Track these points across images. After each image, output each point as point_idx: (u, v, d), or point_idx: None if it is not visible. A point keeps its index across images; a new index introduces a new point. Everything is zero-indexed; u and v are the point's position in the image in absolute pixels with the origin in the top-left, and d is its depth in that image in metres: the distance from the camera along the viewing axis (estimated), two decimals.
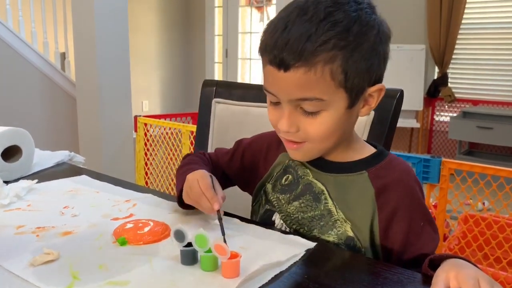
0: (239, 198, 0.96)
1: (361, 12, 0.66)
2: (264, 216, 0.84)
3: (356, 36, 0.64)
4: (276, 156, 0.86)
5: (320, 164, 0.78)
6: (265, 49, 0.68)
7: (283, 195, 0.81)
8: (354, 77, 0.66)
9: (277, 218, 0.81)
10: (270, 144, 0.88)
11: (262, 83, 0.73)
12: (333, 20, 0.63)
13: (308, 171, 0.79)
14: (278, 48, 0.65)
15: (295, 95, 0.67)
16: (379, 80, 0.71)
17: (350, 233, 0.73)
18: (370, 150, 0.78)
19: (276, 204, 0.82)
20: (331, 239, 0.74)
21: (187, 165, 0.85)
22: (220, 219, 0.72)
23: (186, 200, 0.78)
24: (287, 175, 0.82)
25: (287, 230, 0.79)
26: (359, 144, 0.79)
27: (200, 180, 0.75)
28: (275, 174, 0.84)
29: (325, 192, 0.76)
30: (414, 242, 0.72)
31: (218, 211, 0.72)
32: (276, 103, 0.71)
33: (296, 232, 0.77)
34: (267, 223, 0.82)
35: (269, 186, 0.85)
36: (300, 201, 0.78)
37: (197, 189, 0.74)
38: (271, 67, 0.67)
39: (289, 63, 0.64)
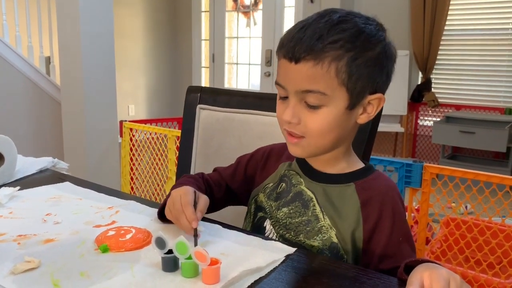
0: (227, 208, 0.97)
1: (370, 26, 0.74)
2: (258, 223, 0.86)
3: (362, 43, 0.71)
4: (275, 167, 0.89)
5: (313, 174, 0.82)
6: (282, 44, 0.75)
7: (275, 202, 0.84)
8: (356, 79, 0.72)
9: (268, 224, 0.84)
10: (269, 155, 0.92)
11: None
12: (344, 27, 0.71)
13: (302, 180, 0.82)
14: (293, 43, 0.72)
15: (302, 86, 0.72)
16: (379, 91, 0.76)
17: (335, 239, 0.76)
18: (360, 165, 0.83)
19: (268, 211, 0.85)
20: (316, 244, 0.77)
21: (180, 184, 0.85)
22: (195, 236, 0.72)
23: (168, 215, 0.79)
24: (282, 183, 0.85)
25: (275, 235, 0.81)
26: (352, 158, 0.83)
27: (182, 196, 0.77)
28: (271, 183, 0.87)
29: (314, 199, 0.79)
30: (392, 255, 0.75)
31: (196, 228, 0.73)
32: (285, 98, 0.76)
33: (282, 237, 0.80)
34: (260, 229, 0.84)
35: (261, 196, 0.87)
36: (290, 207, 0.81)
37: (178, 205, 0.76)
38: (284, 60, 0.74)
39: (300, 55, 0.71)
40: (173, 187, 0.86)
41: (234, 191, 0.94)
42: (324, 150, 0.78)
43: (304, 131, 0.75)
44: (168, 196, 0.83)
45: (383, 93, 0.76)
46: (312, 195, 0.80)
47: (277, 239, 0.81)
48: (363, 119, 0.77)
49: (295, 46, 0.71)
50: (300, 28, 0.73)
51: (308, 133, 0.75)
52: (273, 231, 0.82)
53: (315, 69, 0.70)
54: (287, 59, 0.73)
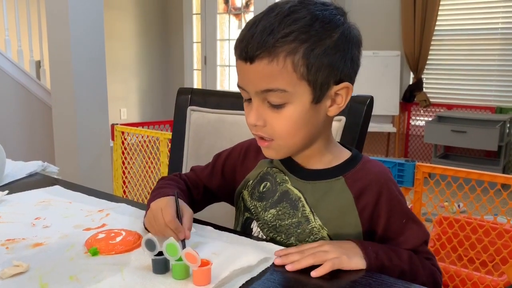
0: (218, 206, 0.96)
1: (326, 12, 0.69)
2: (245, 224, 0.84)
3: (318, 32, 0.67)
4: (254, 162, 0.86)
5: (298, 171, 0.79)
6: (236, 45, 0.71)
7: (260, 203, 0.81)
8: (316, 71, 0.68)
9: (254, 226, 0.81)
10: (247, 150, 0.88)
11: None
12: (296, 17, 0.67)
13: (287, 178, 0.79)
14: (245, 42, 0.69)
15: (260, 86, 0.69)
16: (346, 80, 0.72)
17: (327, 238, 0.75)
18: (346, 154, 0.79)
19: (253, 212, 0.82)
20: None
21: (158, 189, 0.81)
22: (183, 240, 0.69)
23: (150, 229, 0.75)
24: (265, 182, 0.82)
25: (263, 238, 0.79)
26: (336, 148, 0.80)
27: (164, 210, 0.72)
28: (251, 181, 0.84)
29: (302, 199, 0.77)
30: (394, 238, 0.75)
31: (183, 240, 0.69)
32: (249, 100, 0.73)
33: (272, 240, 0.78)
34: (247, 231, 0.82)
35: (245, 193, 0.85)
36: (278, 208, 0.79)
37: (161, 220, 0.71)
38: (240, 61, 0.71)
39: (253, 54, 0.67)
40: (153, 192, 0.82)
41: (213, 192, 0.91)
42: (297, 148, 0.75)
43: (271, 133, 0.72)
44: (148, 206, 0.79)
45: (351, 81, 0.73)
46: (300, 195, 0.77)
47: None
48: (333, 111, 0.73)
49: (247, 45, 0.68)
50: (251, 25, 0.69)
51: (276, 135, 0.72)
52: (261, 233, 0.80)
53: (270, 67, 0.67)
54: (242, 60, 0.70)
